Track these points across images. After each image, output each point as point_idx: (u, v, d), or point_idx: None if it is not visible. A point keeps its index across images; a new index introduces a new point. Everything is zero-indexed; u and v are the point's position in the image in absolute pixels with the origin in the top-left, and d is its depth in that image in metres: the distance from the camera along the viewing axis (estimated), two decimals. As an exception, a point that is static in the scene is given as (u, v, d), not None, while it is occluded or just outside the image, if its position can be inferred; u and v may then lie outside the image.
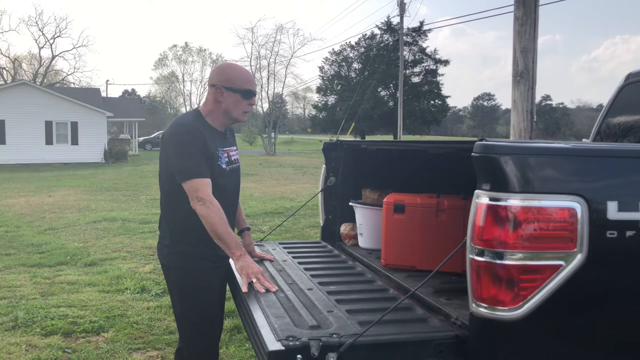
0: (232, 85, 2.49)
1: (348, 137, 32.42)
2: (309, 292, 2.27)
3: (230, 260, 2.50)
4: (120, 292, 5.30)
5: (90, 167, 25.72)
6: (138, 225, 9.17)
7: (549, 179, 1.69)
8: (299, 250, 3.15)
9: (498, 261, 1.65)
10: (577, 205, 1.66)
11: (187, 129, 2.41)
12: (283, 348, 1.66)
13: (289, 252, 3.07)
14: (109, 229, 8.88)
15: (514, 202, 1.65)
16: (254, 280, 2.30)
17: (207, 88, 2.60)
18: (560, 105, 72.71)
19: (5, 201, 12.63)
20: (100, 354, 3.83)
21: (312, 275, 2.56)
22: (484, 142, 1.69)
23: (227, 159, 2.54)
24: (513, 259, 1.65)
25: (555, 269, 1.65)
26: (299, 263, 2.82)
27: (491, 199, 1.67)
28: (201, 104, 2.63)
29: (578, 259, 1.65)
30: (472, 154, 1.71)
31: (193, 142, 2.37)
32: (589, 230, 1.65)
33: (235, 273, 2.42)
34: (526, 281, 1.65)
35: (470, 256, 1.71)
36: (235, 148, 2.69)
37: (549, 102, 69.68)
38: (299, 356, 1.66)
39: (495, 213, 1.66)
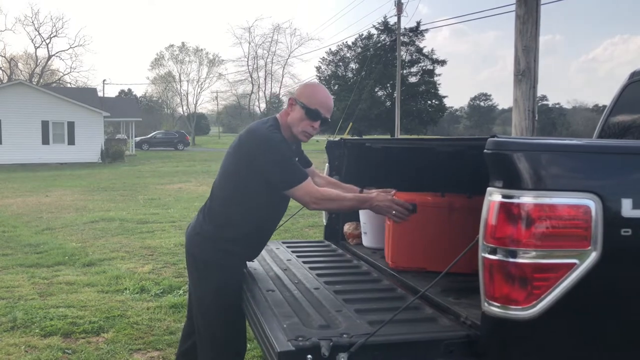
0: (303, 100, 2.45)
1: (346, 137, 32.35)
2: (315, 292, 2.25)
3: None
4: (120, 293, 5.26)
5: (87, 167, 25.62)
6: (136, 225, 9.13)
7: (563, 176, 1.67)
8: (303, 250, 3.13)
9: (511, 259, 1.63)
10: (591, 203, 1.63)
11: (279, 140, 2.38)
12: (293, 348, 1.63)
13: (293, 252, 3.04)
14: (106, 229, 8.84)
15: (527, 199, 1.62)
16: (393, 212, 2.40)
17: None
18: (557, 106, 72.80)
19: (2, 201, 12.56)
20: (100, 354, 3.80)
21: (318, 275, 2.53)
22: (496, 139, 1.66)
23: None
24: (526, 257, 1.62)
25: (569, 267, 1.62)
26: (304, 262, 2.80)
27: (504, 196, 1.65)
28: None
29: (592, 257, 1.62)
30: (485, 150, 1.68)
31: (286, 150, 2.37)
32: (603, 228, 1.63)
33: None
34: (540, 280, 1.62)
35: (483, 254, 1.68)
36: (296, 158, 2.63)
37: (545, 102, 69.77)
38: (309, 356, 1.63)
39: (508, 211, 1.64)
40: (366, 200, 2.45)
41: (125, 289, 5.35)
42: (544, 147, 1.68)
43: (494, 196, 1.67)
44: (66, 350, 3.86)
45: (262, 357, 3.70)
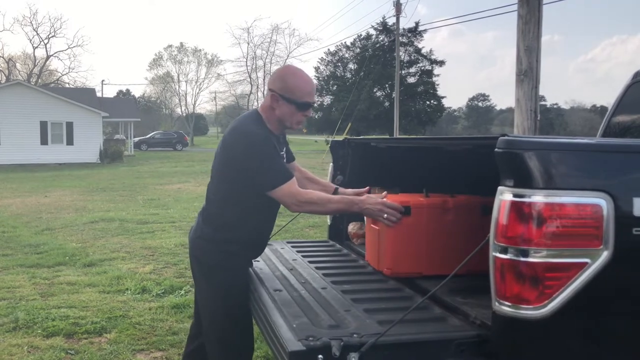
0: (289, 95, 2.38)
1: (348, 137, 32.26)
2: (323, 292, 2.24)
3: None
4: (121, 293, 5.25)
5: (86, 167, 25.58)
6: (136, 226, 9.11)
7: (574, 175, 1.66)
8: (308, 250, 3.12)
9: (522, 259, 1.62)
10: (602, 202, 1.62)
11: (262, 138, 2.33)
12: (304, 348, 1.62)
13: (298, 251, 3.04)
14: (106, 229, 8.82)
15: (538, 198, 1.62)
16: (385, 216, 2.30)
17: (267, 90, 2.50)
18: (555, 106, 72.82)
19: (1, 202, 12.54)
20: (103, 355, 3.78)
21: (325, 275, 2.52)
22: (507, 138, 1.66)
23: (284, 162, 2.51)
24: (538, 257, 1.61)
25: (581, 266, 1.62)
26: (310, 262, 2.79)
27: (515, 195, 1.64)
28: (260, 106, 2.53)
29: (604, 256, 1.61)
30: (495, 149, 1.67)
31: (270, 149, 2.33)
32: (615, 227, 1.62)
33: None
34: (551, 279, 1.61)
35: (494, 254, 1.67)
36: (284, 148, 2.61)
37: (543, 102, 69.77)
38: (320, 356, 1.62)
39: (519, 210, 1.63)
40: (355, 203, 2.35)
41: (127, 289, 5.34)
42: (555, 146, 1.67)
43: (505, 195, 1.66)
44: (69, 351, 3.85)
45: (265, 358, 3.69)
